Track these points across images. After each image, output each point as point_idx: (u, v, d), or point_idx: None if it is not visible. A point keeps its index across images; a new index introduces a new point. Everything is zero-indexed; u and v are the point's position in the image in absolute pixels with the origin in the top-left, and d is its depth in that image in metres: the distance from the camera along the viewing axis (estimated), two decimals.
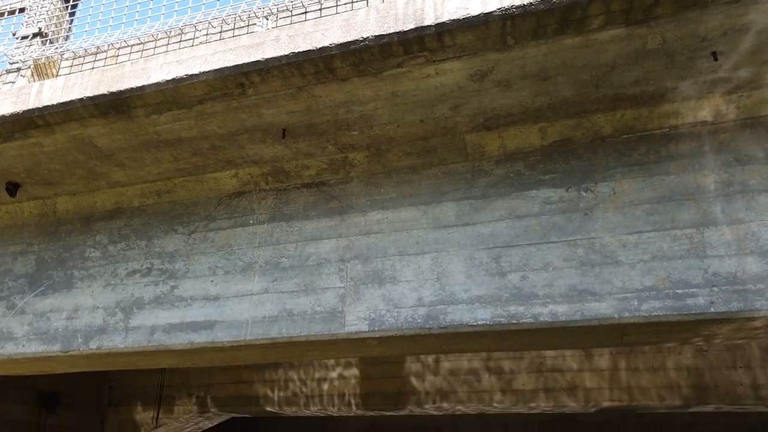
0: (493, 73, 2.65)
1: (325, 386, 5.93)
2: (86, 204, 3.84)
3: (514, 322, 2.68)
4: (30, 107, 3.06)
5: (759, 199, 2.48)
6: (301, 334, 3.05)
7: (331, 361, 5.99)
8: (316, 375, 6.00)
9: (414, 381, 5.65)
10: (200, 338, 3.20)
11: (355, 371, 5.87)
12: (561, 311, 2.60)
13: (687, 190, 2.61)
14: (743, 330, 2.56)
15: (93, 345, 3.40)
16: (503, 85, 2.71)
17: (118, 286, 3.53)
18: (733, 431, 7.08)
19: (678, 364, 4.77)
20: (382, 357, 5.79)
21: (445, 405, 5.55)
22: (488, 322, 2.73)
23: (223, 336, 3.17)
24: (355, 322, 2.98)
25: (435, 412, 5.93)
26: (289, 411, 6.11)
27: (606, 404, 5.05)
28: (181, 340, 3.24)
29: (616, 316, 2.52)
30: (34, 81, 3.66)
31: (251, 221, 3.42)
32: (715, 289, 2.42)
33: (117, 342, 3.36)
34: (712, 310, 2.40)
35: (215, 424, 6.86)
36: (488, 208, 2.93)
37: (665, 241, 2.56)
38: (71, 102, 3.01)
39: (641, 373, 4.84)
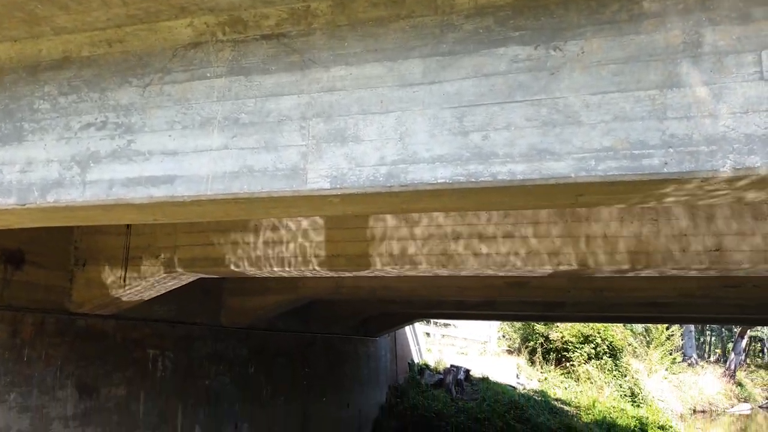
0: None
1: (291, 248, 6.08)
2: (31, 52, 3.59)
3: (473, 180, 2.72)
4: None
5: (725, 60, 2.46)
6: (263, 191, 3.05)
7: (297, 225, 6.09)
8: (283, 238, 6.12)
9: (376, 244, 5.82)
10: (160, 193, 3.18)
11: (320, 234, 6.00)
12: (519, 170, 2.64)
13: (656, 50, 2.56)
14: (691, 192, 2.66)
15: (50, 198, 3.35)
16: None
17: (72, 139, 3.41)
18: (674, 293, 7.66)
19: (627, 231, 5.00)
20: (346, 222, 5.91)
21: (404, 267, 5.78)
22: (448, 181, 2.76)
23: (183, 191, 3.14)
24: (317, 179, 2.98)
25: (395, 274, 6.19)
26: (255, 271, 6.30)
27: (557, 268, 5.34)
28: (140, 194, 3.21)
29: (572, 175, 2.57)
30: None
31: (208, 74, 3.27)
32: (671, 150, 2.46)
33: (75, 196, 3.31)
34: (665, 170, 2.46)
35: (183, 283, 7.06)
36: (455, 65, 2.85)
37: (628, 102, 2.55)
38: None
39: (592, 239, 5.08)
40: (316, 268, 5.98)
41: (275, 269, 6.11)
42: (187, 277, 6.86)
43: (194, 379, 8.87)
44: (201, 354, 9.09)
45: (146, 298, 7.15)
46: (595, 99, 2.60)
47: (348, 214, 5.77)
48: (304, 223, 6.00)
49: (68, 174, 3.35)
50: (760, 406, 29.82)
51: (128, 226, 6.57)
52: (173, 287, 7.11)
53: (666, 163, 2.46)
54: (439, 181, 2.77)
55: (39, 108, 3.51)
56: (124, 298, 6.91)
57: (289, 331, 11.45)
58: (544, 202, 3.16)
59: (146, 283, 6.64)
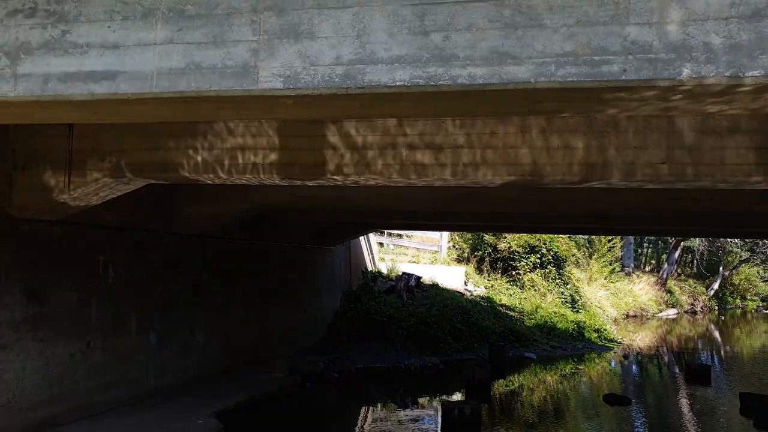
0: None
1: (245, 155, 5.93)
2: None
3: (432, 83, 2.65)
4: None
5: None
6: (212, 89, 2.91)
7: (250, 132, 5.91)
8: (236, 144, 5.95)
9: (331, 153, 5.74)
10: (101, 89, 2.99)
11: (274, 142, 5.85)
12: (479, 74, 2.58)
13: None
14: (647, 101, 2.67)
15: None
16: None
17: None
18: (620, 206, 7.96)
19: (580, 143, 5.07)
20: (301, 129, 5.77)
21: (359, 177, 5.75)
22: (406, 84, 2.69)
23: (126, 87, 2.96)
24: (269, 78, 2.85)
25: (350, 184, 6.17)
26: (207, 178, 6.15)
27: (508, 179, 5.41)
28: (80, 90, 3.01)
29: (532, 80, 2.53)
30: None
31: None
32: (630, 57, 2.44)
33: (6, 90, 3.08)
34: (623, 78, 2.45)
35: (132, 189, 6.86)
36: None
37: (592, 5, 2.49)
38: None
39: (543, 150, 5.14)
40: (270, 176, 5.89)
41: (227, 176, 5.98)
42: (137, 183, 6.66)
43: (148, 286, 8.85)
44: (154, 261, 9.03)
45: (94, 204, 6.94)
46: (559, 1, 2.52)
47: (303, 119, 5.63)
48: (258, 128, 5.83)
49: None
50: (685, 311, 32.36)
51: (70, 127, 6.23)
52: (122, 192, 6.91)
53: (625, 70, 2.45)
54: (397, 83, 2.69)
55: None
56: (70, 203, 6.69)
57: (246, 239, 11.45)
58: (502, 109, 3.14)
59: (93, 188, 6.42)
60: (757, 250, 34.36)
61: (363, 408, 10.86)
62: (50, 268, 7.12)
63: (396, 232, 21.31)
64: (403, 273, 18.41)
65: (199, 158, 5.97)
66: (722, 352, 20.55)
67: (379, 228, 18.18)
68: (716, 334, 25.80)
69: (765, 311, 35.19)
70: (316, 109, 3.16)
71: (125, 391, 8.21)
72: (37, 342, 6.87)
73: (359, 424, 9.81)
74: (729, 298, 36.62)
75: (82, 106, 3.14)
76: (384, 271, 18.98)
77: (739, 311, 35.46)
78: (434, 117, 5.24)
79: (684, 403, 12.14)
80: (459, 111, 3.31)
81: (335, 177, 5.77)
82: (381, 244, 20.92)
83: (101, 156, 6.24)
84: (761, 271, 37.17)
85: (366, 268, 18.59)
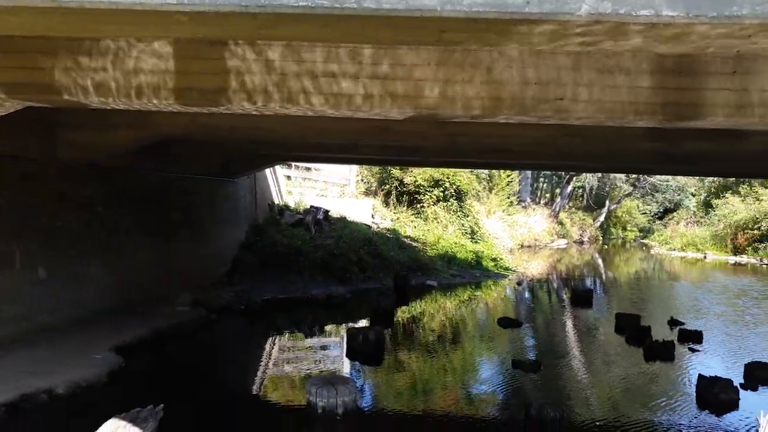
0: None
1: (137, 78, 5.49)
2: None
3: (337, 6, 2.54)
4: None
5: None
6: (94, 1, 2.62)
7: (144, 52, 5.46)
8: (128, 66, 5.49)
9: (234, 79, 5.45)
10: None
11: (170, 64, 5.46)
12: None
13: None
14: (548, 36, 2.73)
15: None
16: None
17: None
18: (521, 141, 8.26)
19: (483, 77, 5.14)
20: (200, 51, 5.40)
21: (263, 105, 5.54)
22: (310, 5, 2.56)
23: None
24: None
25: (254, 112, 5.93)
26: (95, 103, 5.67)
27: (412, 111, 5.42)
28: None
29: (438, 8, 2.50)
30: None
31: None
32: None
33: None
34: (527, 10, 2.47)
35: (8, 112, 6.21)
36: None
37: None
38: None
39: (450, 84, 5.17)
40: (166, 101, 5.52)
41: (119, 101, 5.54)
42: (11, 105, 6.02)
43: (34, 218, 8.23)
44: (40, 191, 8.37)
45: None
46: None
47: (201, 40, 5.28)
48: (153, 48, 5.40)
49: None
50: (574, 241, 35.00)
51: None
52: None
53: (528, 3, 2.47)
54: (300, 4, 2.56)
55: None
56: None
57: (144, 171, 10.85)
58: (408, 37, 3.09)
59: None
60: (638, 185, 37.33)
61: (270, 338, 10.97)
62: None
63: (304, 165, 21.03)
64: (311, 206, 18.35)
65: (84, 80, 5.46)
66: (603, 278, 22.54)
67: (287, 160, 17.84)
68: (599, 261, 28.17)
69: (641, 241, 38.73)
70: (213, 28, 2.96)
71: (13, 328, 7.75)
72: None
73: (266, 353, 9.94)
74: (612, 229, 39.89)
75: None
76: (291, 204, 18.82)
77: (620, 241, 38.81)
78: (339, 43, 5.08)
79: (569, 323, 13.29)
80: (365, 38, 3.22)
81: (237, 104, 5.52)
82: (288, 177, 20.61)
83: None
84: (640, 205, 40.60)
85: (273, 201, 18.33)
